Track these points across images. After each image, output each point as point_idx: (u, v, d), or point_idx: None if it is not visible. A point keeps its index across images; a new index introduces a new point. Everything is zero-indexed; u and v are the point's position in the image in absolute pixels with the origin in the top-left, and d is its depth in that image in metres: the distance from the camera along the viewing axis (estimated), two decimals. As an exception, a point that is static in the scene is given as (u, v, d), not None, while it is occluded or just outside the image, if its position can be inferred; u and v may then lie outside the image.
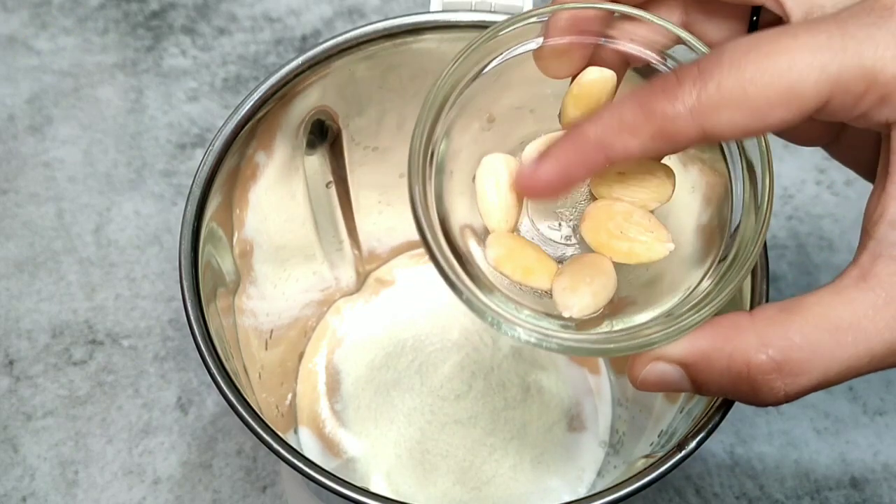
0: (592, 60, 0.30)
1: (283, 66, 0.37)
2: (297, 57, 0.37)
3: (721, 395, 0.27)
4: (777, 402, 0.26)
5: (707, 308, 0.27)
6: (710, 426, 0.31)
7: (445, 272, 0.27)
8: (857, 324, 0.25)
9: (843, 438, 0.46)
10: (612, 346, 0.27)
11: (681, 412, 0.36)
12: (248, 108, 0.37)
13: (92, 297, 0.48)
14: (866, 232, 0.27)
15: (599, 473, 0.43)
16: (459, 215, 0.29)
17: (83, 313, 0.48)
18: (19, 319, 0.48)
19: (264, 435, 0.31)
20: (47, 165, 0.51)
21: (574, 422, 0.44)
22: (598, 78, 0.29)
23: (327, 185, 0.42)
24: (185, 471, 0.45)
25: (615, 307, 0.29)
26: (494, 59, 0.29)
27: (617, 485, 0.31)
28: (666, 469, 0.31)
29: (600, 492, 0.31)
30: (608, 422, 0.44)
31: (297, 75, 0.37)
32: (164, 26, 0.55)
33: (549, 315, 0.28)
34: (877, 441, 0.46)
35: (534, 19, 0.29)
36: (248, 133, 0.37)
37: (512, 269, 0.28)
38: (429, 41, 0.38)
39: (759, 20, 0.30)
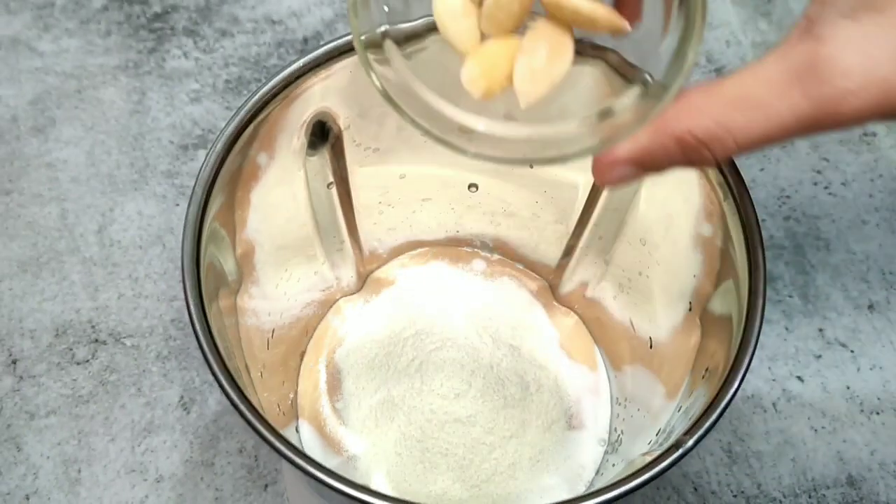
0: None
1: (284, 67, 0.37)
2: (298, 59, 0.37)
3: (668, 169, 0.30)
4: (711, 165, 0.31)
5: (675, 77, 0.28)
6: (707, 424, 0.32)
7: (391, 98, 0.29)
8: (767, 101, 0.27)
9: (839, 437, 0.46)
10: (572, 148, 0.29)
11: (678, 410, 0.37)
12: (249, 109, 0.37)
13: (95, 296, 0.48)
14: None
15: (598, 471, 0.43)
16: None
17: (86, 313, 0.48)
18: (23, 319, 0.48)
19: (266, 433, 0.31)
20: (50, 166, 0.52)
21: (573, 420, 0.44)
22: None
23: (328, 186, 0.43)
24: (188, 469, 0.45)
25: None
26: None
27: (616, 482, 0.31)
28: (664, 467, 0.31)
29: (599, 489, 0.31)
30: (607, 420, 0.44)
31: (298, 77, 0.37)
32: (167, 28, 0.55)
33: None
34: (873, 439, 0.46)
35: None
36: (250, 134, 0.37)
37: (499, 86, 0.29)
38: (429, 42, 0.38)
39: None
